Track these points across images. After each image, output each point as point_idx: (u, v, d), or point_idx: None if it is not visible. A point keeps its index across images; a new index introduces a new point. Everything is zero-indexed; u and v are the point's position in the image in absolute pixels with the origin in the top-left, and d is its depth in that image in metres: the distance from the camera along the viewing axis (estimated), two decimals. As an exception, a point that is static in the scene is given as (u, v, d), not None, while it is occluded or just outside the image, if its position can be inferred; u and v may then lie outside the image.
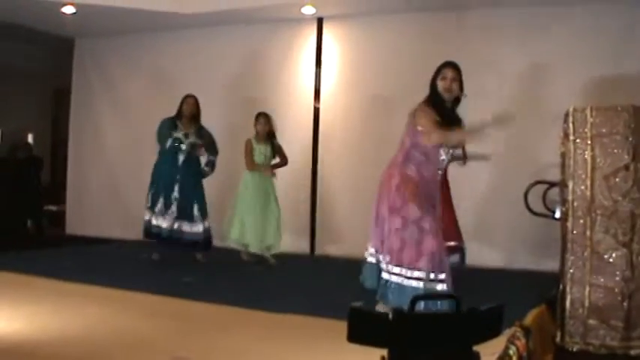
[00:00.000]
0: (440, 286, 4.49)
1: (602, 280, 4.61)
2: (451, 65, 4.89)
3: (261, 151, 7.58)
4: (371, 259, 4.84)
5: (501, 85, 7.81)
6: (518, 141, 7.58)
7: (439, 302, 4.07)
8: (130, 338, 4.24)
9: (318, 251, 8.74)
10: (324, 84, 8.80)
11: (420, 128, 4.71)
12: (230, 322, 4.82)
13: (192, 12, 8.67)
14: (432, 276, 4.50)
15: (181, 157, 7.40)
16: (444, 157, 4.81)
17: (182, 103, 7.59)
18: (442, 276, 4.53)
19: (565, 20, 7.55)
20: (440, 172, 4.90)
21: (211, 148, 7.64)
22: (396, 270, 4.57)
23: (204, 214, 7.46)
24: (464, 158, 6.33)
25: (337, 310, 3.84)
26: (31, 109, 13.04)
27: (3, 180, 11.64)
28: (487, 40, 7.93)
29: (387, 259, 4.64)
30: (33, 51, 11.80)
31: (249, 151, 7.54)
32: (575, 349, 4.66)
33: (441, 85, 4.81)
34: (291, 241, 8.61)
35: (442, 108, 4.79)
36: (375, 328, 2.33)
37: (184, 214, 7.34)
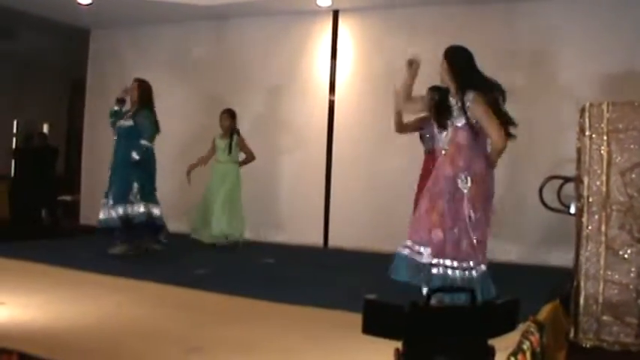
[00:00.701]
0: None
1: (616, 276, 4.60)
2: (443, 54, 5.01)
3: (220, 145, 7.96)
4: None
5: (516, 78, 7.78)
6: (534, 136, 7.55)
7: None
8: (144, 328, 4.26)
9: (331, 243, 8.72)
10: (340, 76, 8.79)
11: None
12: (244, 314, 4.83)
13: (208, 4, 8.69)
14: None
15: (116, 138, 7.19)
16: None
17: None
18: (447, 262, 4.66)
19: (580, 14, 7.51)
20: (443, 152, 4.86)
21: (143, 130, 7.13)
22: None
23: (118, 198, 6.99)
24: None
25: (351, 303, 3.86)
26: (47, 100, 13.11)
27: (19, 170, 11.73)
28: (505, 32, 7.90)
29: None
30: (49, 42, 11.85)
31: (212, 146, 8.05)
32: (588, 346, 4.66)
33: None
34: (305, 233, 8.63)
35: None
36: (390, 321, 2.33)
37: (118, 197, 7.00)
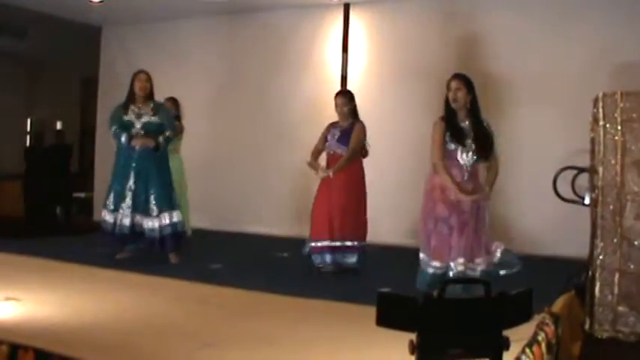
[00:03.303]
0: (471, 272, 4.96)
1: (632, 266, 4.59)
2: (455, 77, 5.23)
3: None
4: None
5: (530, 68, 7.76)
6: (547, 126, 7.52)
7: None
8: (159, 323, 4.27)
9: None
10: (351, 70, 8.76)
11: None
12: (258, 308, 4.84)
13: (219, -1, 8.71)
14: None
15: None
16: (464, 160, 5.13)
17: (133, 80, 6.62)
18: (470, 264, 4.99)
19: (596, 5, 7.46)
20: (466, 173, 5.13)
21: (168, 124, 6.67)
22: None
23: (162, 207, 6.45)
24: None
25: (366, 296, 3.86)
26: (60, 98, 13.17)
27: (34, 167, 11.79)
28: (515, 23, 7.86)
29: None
30: (60, 40, 11.89)
31: None
32: (604, 337, 4.64)
33: (449, 96, 5.16)
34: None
35: (452, 121, 5.14)
36: (404, 313, 2.33)
37: (140, 207, 6.42)
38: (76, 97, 13.55)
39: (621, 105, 4.61)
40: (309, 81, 8.95)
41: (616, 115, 4.63)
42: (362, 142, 6.35)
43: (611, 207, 4.64)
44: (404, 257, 6.28)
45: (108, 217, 6.49)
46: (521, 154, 7.69)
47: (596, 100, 4.73)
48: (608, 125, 4.66)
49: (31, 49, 11.67)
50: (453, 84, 5.16)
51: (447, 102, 5.19)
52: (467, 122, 5.13)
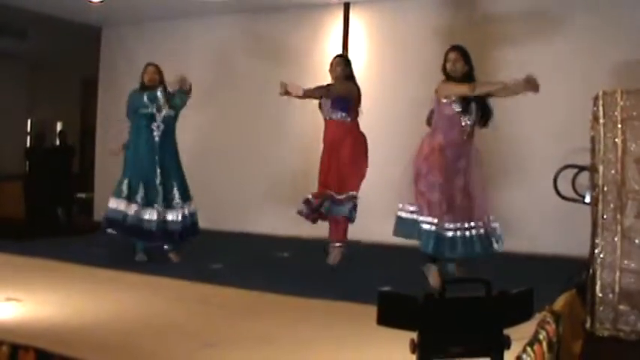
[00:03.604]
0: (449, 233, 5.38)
1: (632, 265, 4.58)
2: (453, 48, 5.56)
3: None
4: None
5: (529, 66, 7.74)
6: (547, 125, 7.52)
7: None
8: (159, 323, 4.28)
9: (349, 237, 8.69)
10: (352, 70, 8.76)
11: (444, 100, 5.47)
12: (259, 307, 4.84)
13: (219, -1, 8.71)
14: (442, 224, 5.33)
15: (156, 132, 6.51)
16: (466, 122, 5.47)
17: (142, 73, 6.76)
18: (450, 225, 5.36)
19: (597, 2, 7.46)
20: (465, 136, 5.50)
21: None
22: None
23: (184, 198, 6.58)
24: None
25: (367, 295, 3.85)
26: (60, 99, 13.18)
27: (36, 168, 11.81)
28: (515, 23, 7.86)
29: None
30: (60, 41, 11.89)
31: None
32: (605, 335, 4.64)
33: (447, 67, 5.51)
34: (319, 227, 8.62)
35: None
36: (405, 312, 2.33)
37: (163, 200, 6.48)
38: (76, 98, 13.56)
39: (621, 103, 4.61)
40: (309, 80, 8.90)
41: (616, 113, 4.63)
42: (350, 94, 6.34)
43: (611, 205, 4.64)
44: (403, 255, 6.29)
45: (120, 206, 6.42)
46: (522, 152, 7.70)
47: (596, 99, 4.73)
48: (608, 124, 4.66)
49: (31, 49, 11.67)
50: (452, 55, 5.49)
51: (445, 72, 5.53)
52: None
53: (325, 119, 6.55)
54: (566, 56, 7.54)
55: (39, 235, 8.55)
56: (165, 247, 6.63)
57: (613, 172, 4.64)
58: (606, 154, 4.67)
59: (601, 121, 4.68)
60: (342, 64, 6.41)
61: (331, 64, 6.38)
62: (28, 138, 13.47)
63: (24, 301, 4.60)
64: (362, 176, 6.53)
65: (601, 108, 4.69)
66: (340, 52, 8.76)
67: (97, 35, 10.59)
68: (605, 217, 4.67)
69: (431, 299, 2.31)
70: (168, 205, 6.48)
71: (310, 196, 6.38)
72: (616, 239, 4.62)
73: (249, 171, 9.11)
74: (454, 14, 8.18)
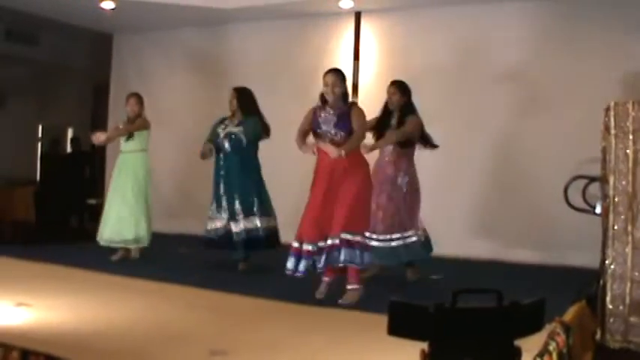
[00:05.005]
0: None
1: (643, 276, 4.55)
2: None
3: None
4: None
5: (540, 77, 7.76)
6: (558, 136, 7.50)
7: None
8: (170, 330, 4.28)
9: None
10: (363, 78, 8.76)
11: None
12: (269, 316, 4.84)
13: (229, 7, 8.72)
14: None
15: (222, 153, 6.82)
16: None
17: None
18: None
19: (608, 14, 7.45)
20: (387, 158, 6.24)
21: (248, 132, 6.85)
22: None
23: (247, 211, 6.73)
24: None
25: (375, 304, 3.84)
26: (71, 105, 13.22)
27: (49, 174, 11.84)
28: (525, 32, 7.86)
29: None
30: (72, 47, 11.95)
31: None
32: (616, 347, 4.61)
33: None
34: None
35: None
36: (416, 322, 2.33)
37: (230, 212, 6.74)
38: (87, 104, 13.60)
39: (633, 114, 4.59)
40: (319, 88, 8.92)
41: (627, 124, 4.61)
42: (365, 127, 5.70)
43: (622, 216, 4.61)
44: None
45: (208, 225, 6.82)
46: (532, 163, 7.69)
47: (607, 110, 4.72)
48: (619, 134, 4.64)
49: (43, 56, 11.72)
50: (390, 89, 6.41)
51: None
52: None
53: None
54: (578, 67, 7.52)
55: (50, 240, 8.58)
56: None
57: (624, 182, 4.61)
58: (617, 165, 4.65)
59: (612, 131, 4.66)
60: (339, 82, 5.61)
61: (326, 84, 5.59)
62: (40, 144, 13.50)
63: (35, 307, 4.62)
64: None
65: (612, 119, 4.67)
66: (352, 60, 8.79)
67: (108, 42, 10.64)
68: (615, 227, 4.65)
69: (442, 309, 2.31)
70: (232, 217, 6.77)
71: None
72: (627, 250, 4.59)
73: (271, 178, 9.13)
74: (462, 23, 8.18)
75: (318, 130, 5.50)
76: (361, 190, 5.35)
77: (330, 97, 5.50)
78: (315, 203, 5.37)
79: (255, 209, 6.73)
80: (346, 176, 5.30)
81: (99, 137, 7.12)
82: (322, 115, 5.52)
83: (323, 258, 5.21)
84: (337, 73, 5.64)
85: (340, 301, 5.16)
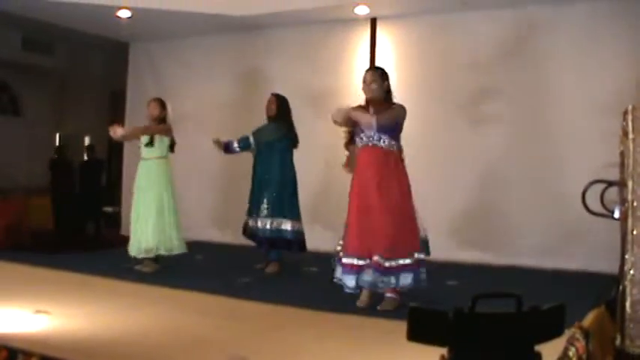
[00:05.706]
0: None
1: (663, 281, 4.50)
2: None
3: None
4: None
5: (558, 82, 7.73)
6: (575, 140, 7.47)
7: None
8: (187, 337, 4.29)
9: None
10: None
11: None
12: (285, 322, 4.84)
13: (245, 14, 8.74)
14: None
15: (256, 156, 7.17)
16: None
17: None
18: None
19: (627, 21, 7.42)
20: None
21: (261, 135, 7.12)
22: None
23: (273, 213, 6.94)
24: None
25: (394, 310, 3.82)
26: (88, 113, 13.32)
27: (65, 182, 11.92)
28: (545, 38, 7.84)
29: None
30: (89, 56, 12.03)
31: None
32: (636, 353, 4.56)
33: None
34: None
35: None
36: (435, 327, 2.32)
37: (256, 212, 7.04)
38: (104, 112, 13.69)
39: (651, 118, 4.56)
40: (335, 95, 8.93)
41: (646, 128, 4.57)
42: (399, 121, 5.53)
43: (641, 221, 4.58)
44: (430, 272, 6.26)
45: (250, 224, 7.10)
46: (550, 168, 7.65)
47: (625, 113, 4.68)
48: (637, 138, 4.60)
49: (60, 64, 11.81)
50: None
51: None
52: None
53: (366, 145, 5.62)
54: (595, 70, 7.49)
55: (68, 248, 8.62)
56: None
57: (643, 187, 4.58)
58: (635, 169, 4.60)
59: (630, 135, 4.62)
60: (378, 79, 5.53)
61: (364, 81, 5.52)
62: (57, 152, 13.61)
63: (53, 314, 4.63)
64: None
65: (630, 123, 4.63)
66: (367, 66, 8.78)
67: (124, 50, 10.70)
68: (634, 232, 4.61)
69: (461, 315, 2.29)
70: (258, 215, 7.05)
71: None
72: (646, 255, 4.55)
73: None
74: (478, 28, 8.16)
75: (358, 138, 5.49)
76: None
77: (367, 95, 5.46)
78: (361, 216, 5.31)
79: (279, 211, 6.93)
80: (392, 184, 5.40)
81: (116, 130, 6.93)
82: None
83: (397, 277, 5.14)
84: (376, 70, 5.65)
85: (379, 307, 5.16)
